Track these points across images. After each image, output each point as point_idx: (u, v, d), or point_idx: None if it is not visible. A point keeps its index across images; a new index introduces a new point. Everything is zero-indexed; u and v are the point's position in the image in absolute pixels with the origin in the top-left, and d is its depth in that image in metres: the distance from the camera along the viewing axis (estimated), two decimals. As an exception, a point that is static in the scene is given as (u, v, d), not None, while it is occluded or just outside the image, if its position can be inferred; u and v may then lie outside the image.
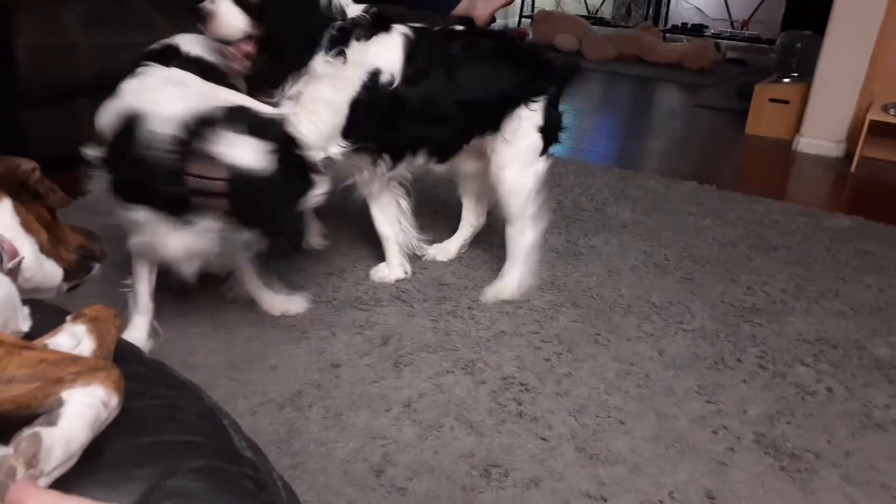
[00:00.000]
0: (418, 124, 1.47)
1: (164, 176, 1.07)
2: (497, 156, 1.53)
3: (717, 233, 1.97)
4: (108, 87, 1.19)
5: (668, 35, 5.69)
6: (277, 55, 1.37)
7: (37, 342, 0.57)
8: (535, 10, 6.36)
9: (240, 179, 1.07)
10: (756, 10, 5.75)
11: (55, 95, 2.09)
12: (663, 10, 6.11)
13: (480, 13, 3.43)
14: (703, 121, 3.48)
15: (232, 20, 1.31)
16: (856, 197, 2.47)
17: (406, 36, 1.45)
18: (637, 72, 4.65)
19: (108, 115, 1.15)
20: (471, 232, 1.79)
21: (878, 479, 1.06)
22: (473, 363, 1.31)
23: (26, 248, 0.69)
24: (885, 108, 2.74)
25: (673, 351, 1.38)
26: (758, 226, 2.02)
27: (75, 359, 0.51)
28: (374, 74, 1.41)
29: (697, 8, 6.06)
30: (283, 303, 1.46)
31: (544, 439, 1.11)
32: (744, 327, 1.48)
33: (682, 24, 5.94)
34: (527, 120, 1.51)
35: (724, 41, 5.47)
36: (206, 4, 1.32)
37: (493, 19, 3.41)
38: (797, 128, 3.02)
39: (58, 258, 0.75)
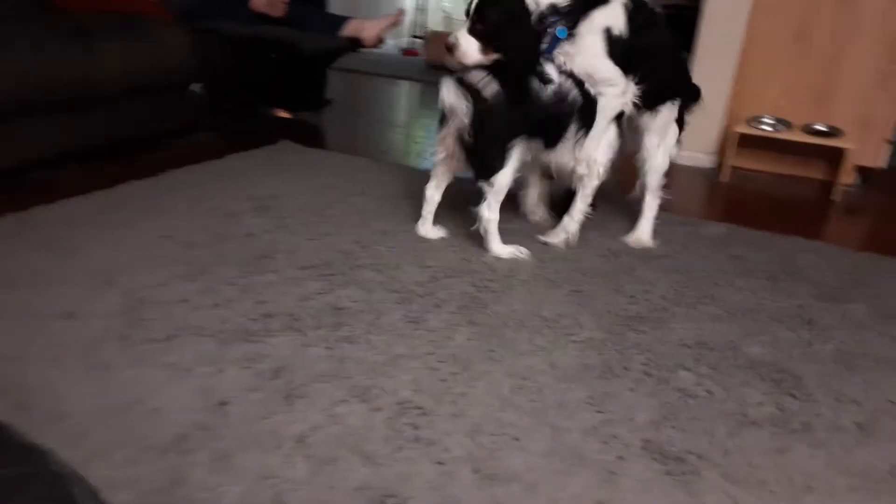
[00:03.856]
0: (644, 66, 1.90)
1: None
2: (651, 136, 2.05)
3: (602, 244, 2.04)
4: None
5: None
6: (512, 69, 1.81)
7: None
8: (426, 31, 6.45)
9: None
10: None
11: None
12: (548, 30, 6.35)
13: (369, 34, 3.45)
14: (589, 136, 3.62)
15: (471, 49, 1.79)
16: (727, 205, 2.64)
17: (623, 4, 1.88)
18: (525, 90, 4.79)
19: None
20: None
21: (756, 476, 1.12)
22: (369, 390, 1.28)
23: None
24: (749, 122, 2.96)
25: (564, 363, 1.41)
26: (640, 236, 2.11)
27: None
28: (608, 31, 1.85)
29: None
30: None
31: (441, 463, 1.10)
32: (629, 335, 1.53)
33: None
34: (671, 112, 2.04)
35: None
36: (451, 38, 1.81)
37: (381, 40, 3.44)
38: (674, 141, 3.21)
39: None
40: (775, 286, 1.83)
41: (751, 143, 2.99)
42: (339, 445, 1.13)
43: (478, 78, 1.78)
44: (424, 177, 2.64)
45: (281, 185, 2.42)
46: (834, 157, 2.92)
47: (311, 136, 3.25)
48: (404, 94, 4.64)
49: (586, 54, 1.83)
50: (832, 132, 2.86)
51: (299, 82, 3.55)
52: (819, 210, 2.63)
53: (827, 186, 2.92)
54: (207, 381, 1.28)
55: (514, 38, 1.80)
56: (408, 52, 6.37)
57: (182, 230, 1.96)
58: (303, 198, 2.30)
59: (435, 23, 7.13)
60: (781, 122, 2.94)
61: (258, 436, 1.14)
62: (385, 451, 1.12)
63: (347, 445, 1.13)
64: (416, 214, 2.17)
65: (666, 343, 1.51)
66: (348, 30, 3.28)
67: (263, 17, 3.27)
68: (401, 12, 3.43)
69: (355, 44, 3.30)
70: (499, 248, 1.93)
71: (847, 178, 2.86)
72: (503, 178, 1.85)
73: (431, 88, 4.85)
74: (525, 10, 1.78)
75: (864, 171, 3.01)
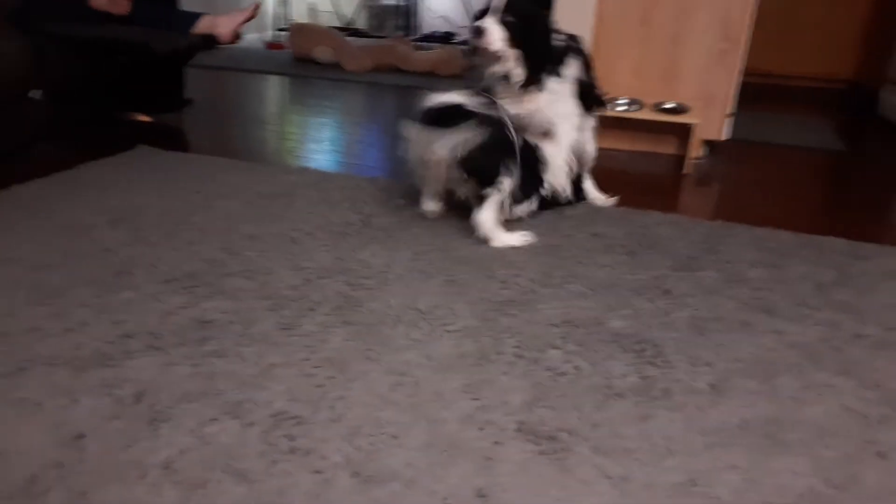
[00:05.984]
0: None
1: None
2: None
3: (471, 231, 2.08)
4: None
5: (420, 44, 5.93)
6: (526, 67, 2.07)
7: None
8: (290, 23, 6.28)
9: None
10: (496, 16, 6.20)
11: None
12: (413, 20, 6.36)
13: (223, 30, 3.32)
14: (459, 124, 3.67)
15: (496, 36, 1.98)
16: (591, 184, 2.76)
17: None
18: (394, 81, 4.79)
19: None
20: None
21: (622, 445, 1.18)
22: (241, 405, 1.24)
23: None
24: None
25: (440, 354, 1.43)
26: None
27: None
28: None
29: (444, 17, 6.39)
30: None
31: (318, 472, 1.09)
32: (502, 320, 1.57)
33: (432, 33, 6.23)
34: None
35: (472, 47, 5.83)
36: (480, 23, 1.97)
37: (237, 36, 3.31)
38: (538, 125, 3.31)
39: None
40: (634, 260, 1.93)
41: (608, 123, 3.14)
42: (209, 467, 1.08)
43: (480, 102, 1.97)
44: (296, 174, 2.59)
45: (139, 193, 2.29)
46: (683, 133, 3.12)
47: (171, 140, 3.09)
48: (271, 89, 4.51)
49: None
50: (680, 109, 3.05)
51: (154, 83, 3.35)
52: (672, 183, 2.80)
53: (679, 160, 3.12)
54: (61, 414, 1.19)
55: (538, 39, 2.05)
56: (273, 45, 6.18)
57: (29, 251, 1.81)
58: (163, 205, 2.18)
59: (299, 15, 6.96)
60: (634, 102, 3.10)
61: (120, 467, 1.07)
62: (260, 466, 1.09)
63: (219, 466, 1.09)
64: (288, 215, 2.12)
65: (536, 324, 1.56)
66: (201, 26, 3.13)
67: (107, 16, 3.06)
68: (256, 6, 3.31)
69: (210, 41, 3.16)
70: (508, 239, 2.03)
71: (696, 151, 3.07)
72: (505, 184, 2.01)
73: (300, 82, 4.74)
74: (549, 22, 2.13)
75: (710, 144, 3.24)
